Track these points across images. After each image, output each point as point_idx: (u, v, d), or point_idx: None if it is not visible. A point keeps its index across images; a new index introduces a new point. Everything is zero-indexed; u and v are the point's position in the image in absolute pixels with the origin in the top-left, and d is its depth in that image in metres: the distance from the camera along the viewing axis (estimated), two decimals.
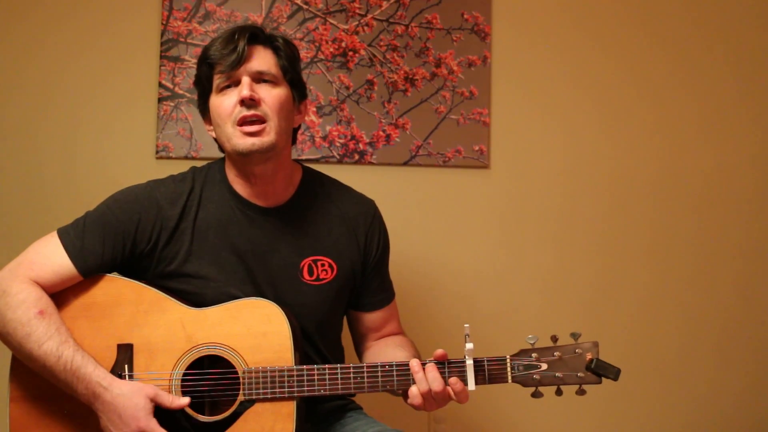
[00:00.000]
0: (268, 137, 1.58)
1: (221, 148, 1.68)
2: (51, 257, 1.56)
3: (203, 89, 1.67)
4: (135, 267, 1.64)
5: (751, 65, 2.48)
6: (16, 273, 1.54)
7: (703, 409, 2.44)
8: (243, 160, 1.61)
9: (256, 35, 1.64)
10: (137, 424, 1.46)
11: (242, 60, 1.59)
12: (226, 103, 1.60)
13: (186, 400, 1.51)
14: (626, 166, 2.44)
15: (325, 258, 1.69)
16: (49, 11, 2.31)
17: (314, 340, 1.69)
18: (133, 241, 1.61)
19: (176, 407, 1.50)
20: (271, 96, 1.60)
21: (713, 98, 2.47)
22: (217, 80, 1.62)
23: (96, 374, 1.48)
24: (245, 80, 1.59)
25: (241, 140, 1.58)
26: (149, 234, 1.62)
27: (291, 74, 1.67)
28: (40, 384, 1.54)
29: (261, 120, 1.58)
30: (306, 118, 2.32)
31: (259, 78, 1.61)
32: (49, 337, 1.48)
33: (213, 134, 1.68)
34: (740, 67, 2.48)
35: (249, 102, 1.57)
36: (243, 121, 1.58)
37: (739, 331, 2.45)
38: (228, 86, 1.61)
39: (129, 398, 1.47)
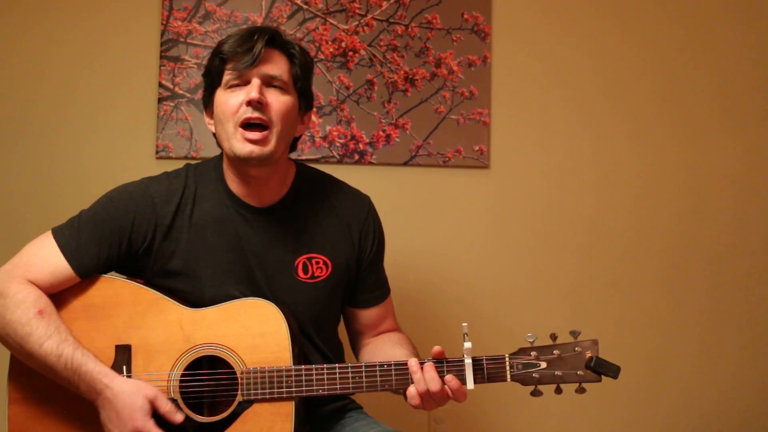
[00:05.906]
0: (268, 147, 1.57)
1: (218, 144, 1.66)
2: (47, 259, 1.56)
3: (211, 82, 1.65)
4: (133, 266, 1.64)
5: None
6: (12, 275, 1.54)
7: (705, 407, 2.43)
8: (239, 161, 1.60)
9: (274, 39, 1.62)
10: (133, 424, 1.46)
11: (257, 61, 1.57)
12: (231, 101, 1.58)
13: (180, 417, 1.50)
14: (627, 165, 2.43)
15: (319, 255, 1.69)
16: (49, 11, 2.30)
17: (312, 337, 1.69)
18: (129, 240, 1.61)
19: (170, 419, 1.49)
20: (279, 102, 1.59)
21: (716, 99, 2.46)
22: (227, 76, 1.60)
23: (97, 371, 1.49)
24: (255, 82, 1.57)
25: (240, 144, 1.56)
26: (144, 232, 1.61)
27: (301, 83, 1.66)
28: (39, 385, 1.54)
29: (264, 125, 1.57)
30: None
31: (269, 82, 1.60)
32: (48, 336, 1.49)
33: (213, 129, 1.66)
34: (747, 61, 2.48)
35: (256, 104, 1.56)
36: (246, 123, 1.56)
37: (743, 331, 2.45)
38: (237, 85, 1.59)
39: (129, 396, 1.47)
